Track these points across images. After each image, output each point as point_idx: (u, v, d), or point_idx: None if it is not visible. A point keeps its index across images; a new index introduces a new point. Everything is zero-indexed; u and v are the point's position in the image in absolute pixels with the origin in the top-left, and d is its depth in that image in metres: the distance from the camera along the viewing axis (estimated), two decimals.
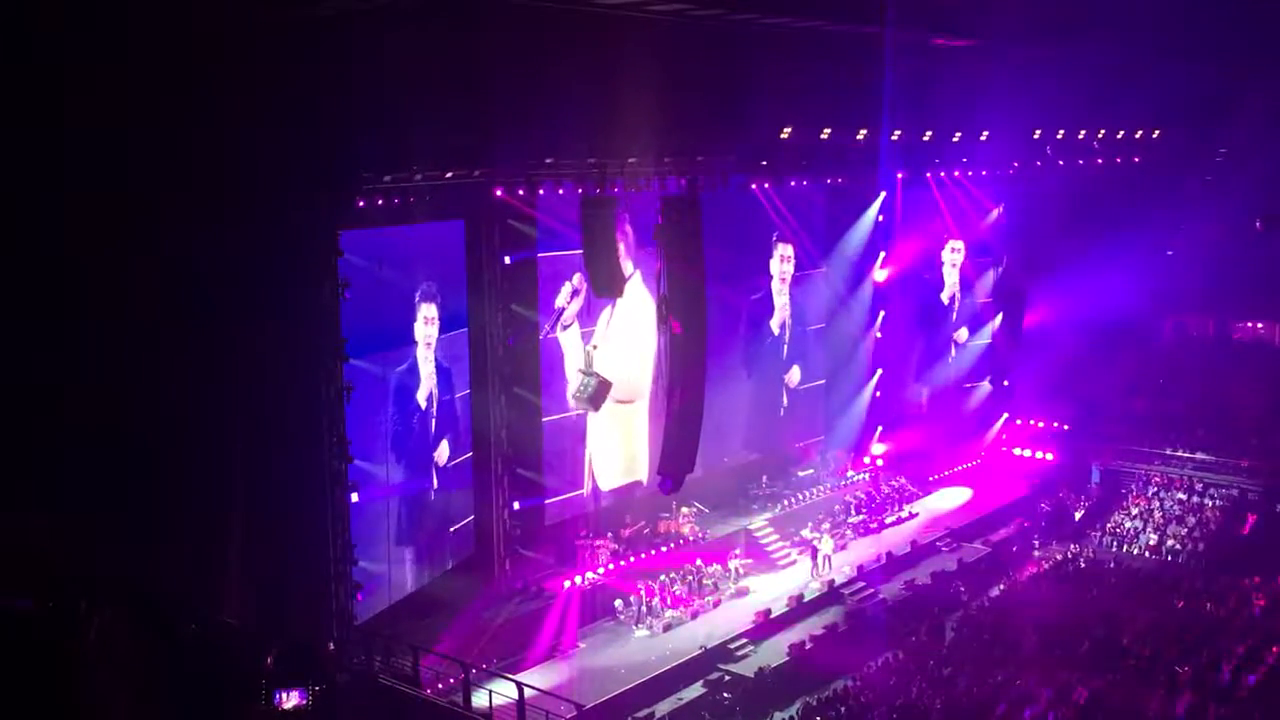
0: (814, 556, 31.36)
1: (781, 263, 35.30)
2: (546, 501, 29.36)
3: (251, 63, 18.30)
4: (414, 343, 25.47)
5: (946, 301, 38.71)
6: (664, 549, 30.22)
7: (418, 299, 25.44)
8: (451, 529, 27.25)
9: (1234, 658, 25.90)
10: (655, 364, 28.36)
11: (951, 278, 39.38)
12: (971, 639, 27.59)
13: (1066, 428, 40.47)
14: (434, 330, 25.85)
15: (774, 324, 35.54)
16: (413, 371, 25.47)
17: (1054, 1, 29.02)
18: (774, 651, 27.06)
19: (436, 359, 26.07)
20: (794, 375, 36.41)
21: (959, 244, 39.33)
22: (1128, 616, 28.40)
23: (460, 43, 22.02)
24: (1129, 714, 23.94)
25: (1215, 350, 41.08)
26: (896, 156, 34.16)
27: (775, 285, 35.35)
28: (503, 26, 22.37)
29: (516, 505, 28.43)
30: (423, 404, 25.75)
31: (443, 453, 26.62)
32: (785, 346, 35.90)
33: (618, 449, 31.10)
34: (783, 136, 29.44)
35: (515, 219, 27.48)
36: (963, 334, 40.03)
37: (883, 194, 36.61)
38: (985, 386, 40.72)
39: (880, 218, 36.97)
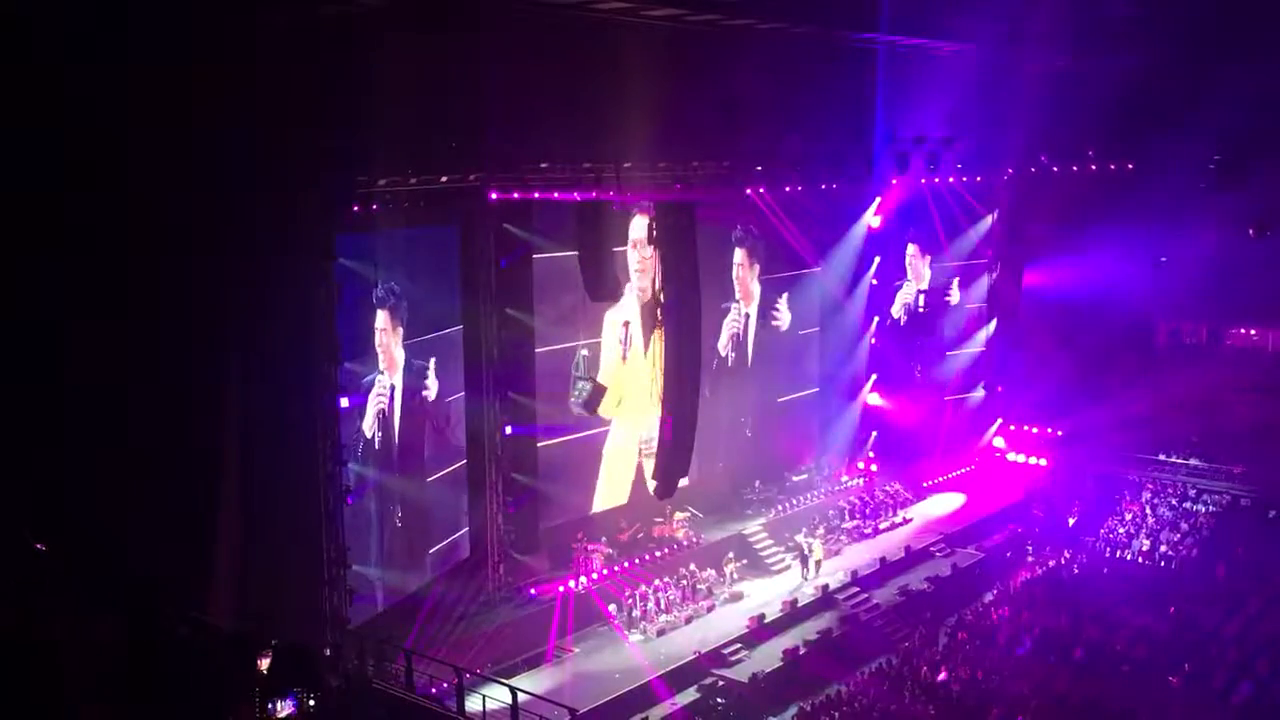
0: (803, 561, 31.39)
1: (739, 270, 34.31)
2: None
3: (249, 65, 18.29)
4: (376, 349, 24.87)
5: (899, 311, 38.58)
6: (658, 554, 30.18)
7: (374, 305, 24.59)
8: (444, 532, 27.20)
9: (1227, 665, 25.92)
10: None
11: (912, 283, 38.97)
12: (965, 644, 27.59)
13: (1060, 433, 40.52)
14: (389, 339, 25.02)
15: (720, 345, 33.86)
16: (381, 376, 25.00)
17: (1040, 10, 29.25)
18: (768, 656, 27.05)
19: (409, 360, 25.51)
20: (784, 316, 35.63)
21: (914, 248, 39.00)
22: (1121, 623, 28.42)
23: (456, 47, 22.04)
24: None
25: (1208, 356, 41.12)
26: (891, 161, 34.21)
27: (737, 295, 34.39)
28: (499, 31, 22.41)
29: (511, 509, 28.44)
30: (373, 408, 24.92)
31: (429, 455, 26.51)
32: (746, 363, 34.76)
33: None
34: (778, 141, 29.46)
35: (510, 222, 27.43)
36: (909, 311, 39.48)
37: (878, 199, 36.67)
38: (979, 392, 40.78)
39: (875, 222, 36.99)
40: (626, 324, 30.14)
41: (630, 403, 30.44)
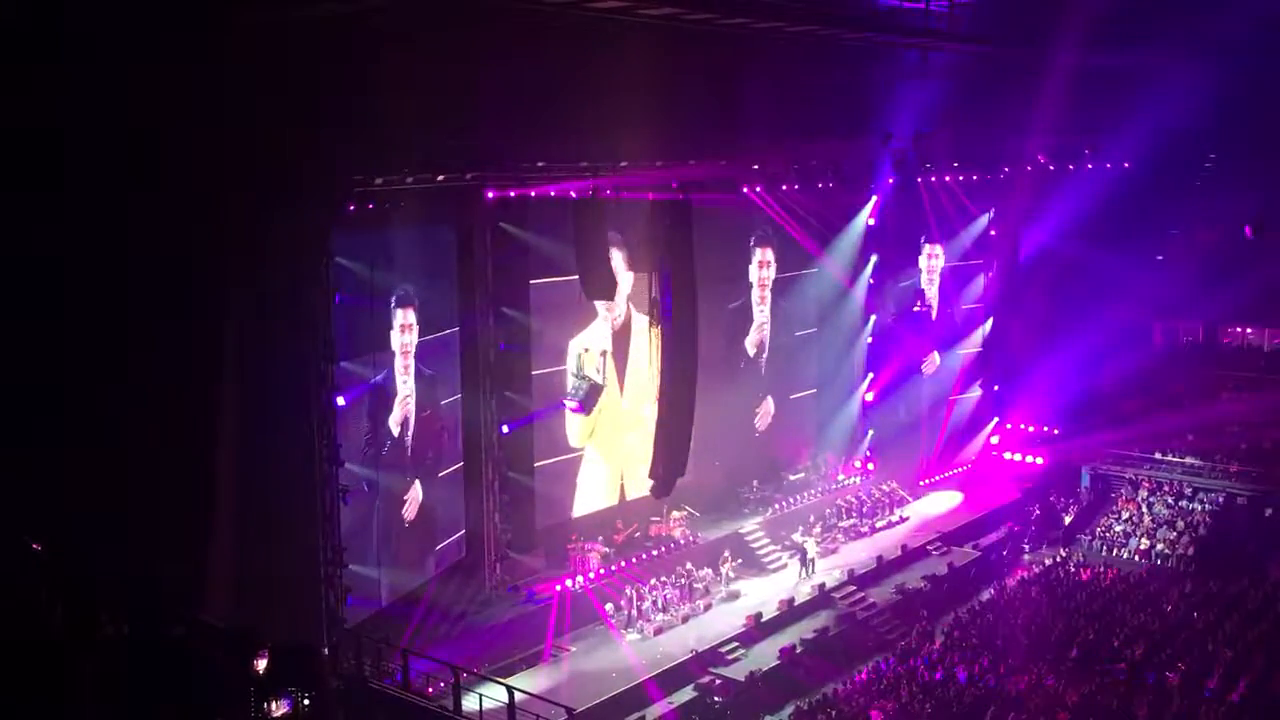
0: (802, 559, 31.42)
1: (761, 269, 34.39)
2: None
3: (245, 65, 18.28)
4: (392, 350, 25.05)
5: (919, 308, 38.67)
6: (655, 553, 30.18)
7: (393, 304, 24.88)
8: (442, 532, 27.20)
9: (1223, 662, 25.97)
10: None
11: (929, 283, 39.15)
12: (961, 643, 27.62)
13: (1057, 432, 40.57)
14: (411, 337, 25.36)
15: (749, 344, 34.34)
16: (390, 377, 25.13)
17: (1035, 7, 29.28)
18: (764, 655, 27.07)
19: (418, 365, 25.69)
20: (767, 408, 35.62)
21: (937, 249, 39.17)
22: (1117, 621, 28.48)
23: (453, 46, 22.01)
24: (1118, 719, 24.00)
25: (1205, 355, 41.23)
26: (888, 160, 34.22)
27: (755, 294, 34.55)
28: (496, 30, 22.37)
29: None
30: (400, 409, 25.38)
31: (435, 456, 26.58)
32: (763, 368, 35.12)
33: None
34: (775, 140, 29.44)
35: (507, 221, 27.42)
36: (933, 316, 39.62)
37: (874, 198, 36.67)
38: (976, 391, 40.81)
39: (872, 221, 37.00)
40: (604, 353, 29.93)
41: (602, 435, 30.47)
